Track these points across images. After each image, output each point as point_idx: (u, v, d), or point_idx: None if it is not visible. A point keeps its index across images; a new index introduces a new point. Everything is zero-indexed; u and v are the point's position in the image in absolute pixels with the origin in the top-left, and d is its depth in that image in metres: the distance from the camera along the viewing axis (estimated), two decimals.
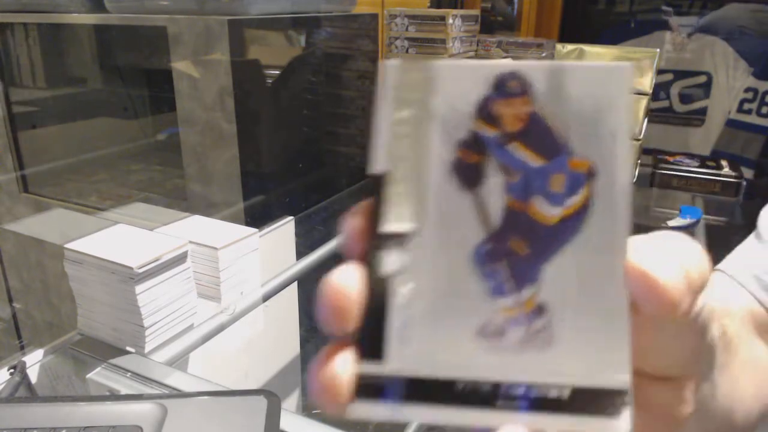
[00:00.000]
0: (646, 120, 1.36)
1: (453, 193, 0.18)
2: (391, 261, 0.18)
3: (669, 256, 0.18)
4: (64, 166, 1.62)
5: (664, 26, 2.04)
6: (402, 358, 0.18)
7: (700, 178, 1.35)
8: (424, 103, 0.18)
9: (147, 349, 0.73)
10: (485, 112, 0.18)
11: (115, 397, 0.66)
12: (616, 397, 0.17)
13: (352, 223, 0.19)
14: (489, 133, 0.18)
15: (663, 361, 0.21)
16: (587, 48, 1.40)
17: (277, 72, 1.37)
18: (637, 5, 2.17)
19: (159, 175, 1.54)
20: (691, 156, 1.44)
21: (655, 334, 0.20)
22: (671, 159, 1.40)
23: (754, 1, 1.95)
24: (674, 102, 2.05)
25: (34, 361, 0.74)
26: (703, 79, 2.00)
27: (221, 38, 1.13)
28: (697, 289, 0.18)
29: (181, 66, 1.19)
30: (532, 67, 0.18)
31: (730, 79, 1.97)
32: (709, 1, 2.02)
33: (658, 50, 1.33)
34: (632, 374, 0.17)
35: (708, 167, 1.36)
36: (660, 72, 1.41)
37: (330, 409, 0.18)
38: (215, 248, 0.82)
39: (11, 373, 0.70)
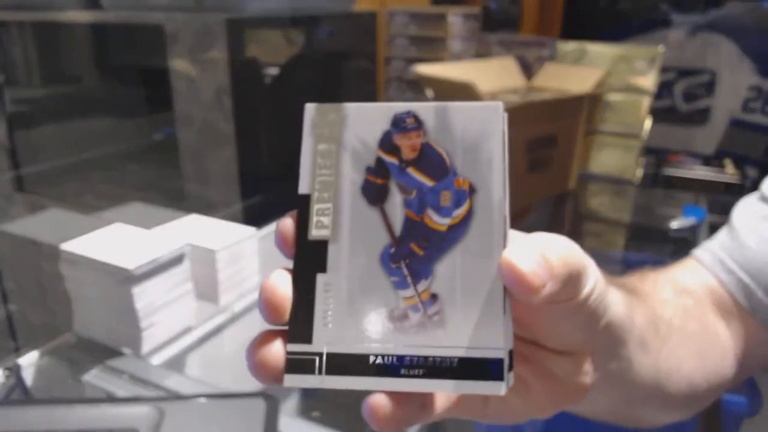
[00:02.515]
0: (648, 119, 1.35)
1: (364, 209, 0.23)
2: (315, 261, 0.23)
3: (533, 251, 0.22)
4: (59, 165, 1.61)
5: (667, 24, 2.03)
6: (325, 339, 0.22)
7: (704, 177, 1.34)
8: (339, 137, 0.24)
9: (144, 350, 0.73)
10: (387, 144, 0.23)
11: (111, 399, 0.65)
12: (494, 364, 0.22)
13: (283, 230, 0.23)
14: (390, 160, 0.23)
15: (559, 338, 0.26)
16: (589, 46, 1.39)
17: (276, 71, 1.36)
18: (640, 3, 2.16)
19: (156, 174, 1.53)
20: (695, 155, 1.43)
21: (549, 316, 0.25)
22: (674, 158, 1.40)
23: None
24: (677, 101, 2.03)
25: (29, 363, 0.74)
26: (707, 77, 1.99)
27: (219, 37, 1.12)
28: (563, 278, 0.22)
29: (178, 65, 1.18)
30: (423, 108, 0.23)
31: (735, 78, 1.95)
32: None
33: (661, 48, 1.32)
34: (512, 346, 0.22)
35: (712, 167, 1.35)
36: (663, 70, 1.40)
37: (265, 381, 0.22)
38: (213, 250, 0.81)
39: (6, 376, 0.69)
